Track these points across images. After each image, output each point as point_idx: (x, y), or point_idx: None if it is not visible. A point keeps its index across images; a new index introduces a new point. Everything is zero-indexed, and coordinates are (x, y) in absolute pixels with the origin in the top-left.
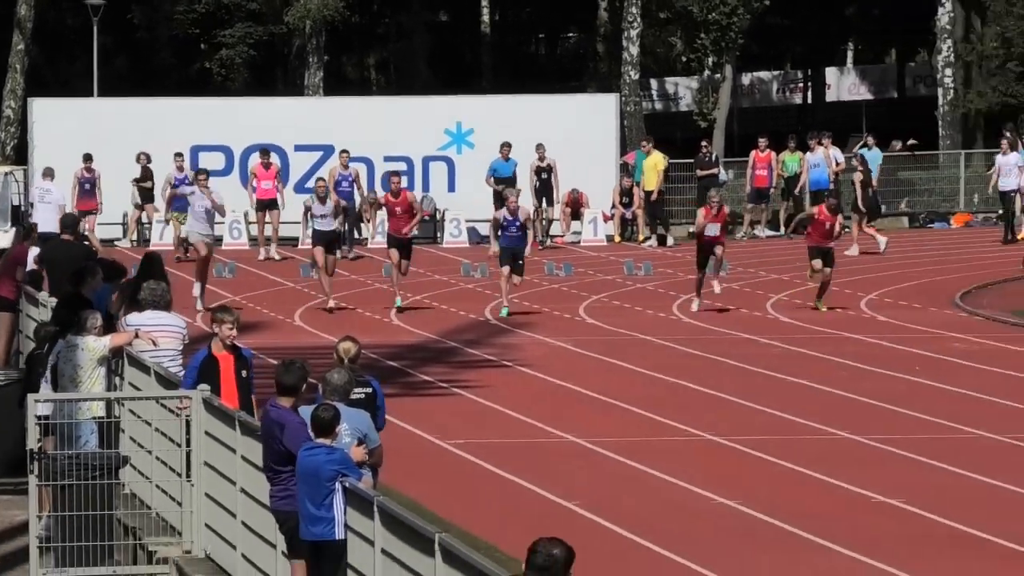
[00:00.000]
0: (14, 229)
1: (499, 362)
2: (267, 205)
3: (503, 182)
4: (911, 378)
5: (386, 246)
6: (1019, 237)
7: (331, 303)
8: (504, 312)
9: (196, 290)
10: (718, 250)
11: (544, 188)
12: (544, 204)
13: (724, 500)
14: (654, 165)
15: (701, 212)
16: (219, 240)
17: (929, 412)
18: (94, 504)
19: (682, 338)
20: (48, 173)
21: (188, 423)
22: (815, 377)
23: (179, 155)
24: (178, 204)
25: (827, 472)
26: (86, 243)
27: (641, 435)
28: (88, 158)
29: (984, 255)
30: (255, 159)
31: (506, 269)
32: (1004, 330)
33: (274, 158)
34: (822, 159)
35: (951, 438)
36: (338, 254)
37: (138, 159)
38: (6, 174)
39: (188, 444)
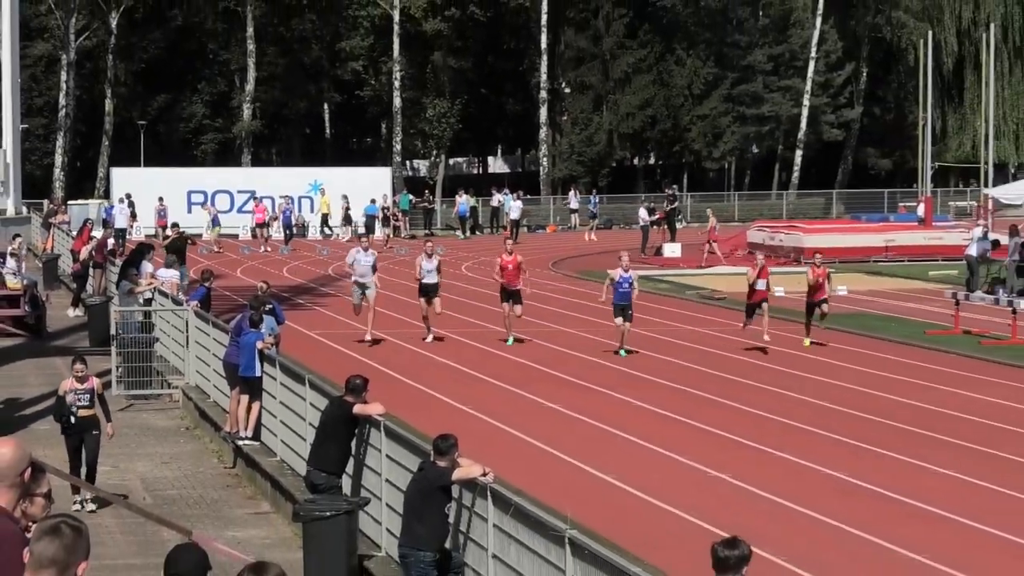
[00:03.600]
0: (103, 228)
1: (335, 295)
2: (262, 225)
3: (370, 217)
4: (530, 303)
5: (500, 299)
6: (588, 238)
7: (430, 337)
8: (623, 353)
9: (369, 331)
10: (764, 305)
11: (386, 219)
12: (382, 225)
13: (453, 364)
14: (325, 202)
15: (751, 271)
16: (226, 235)
17: (538, 318)
18: (142, 359)
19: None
20: (126, 200)
21: (187, 321)
22: (481, 300)
23: (260, 199)
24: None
25: (494, 348)
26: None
27: (406, 329)
28: (161, 199)
29: (562, 245)
30: (252, 203)
31: (619, 320)
32: (573, 281)
33: (265, 202)
34: (467, 200)
35: (550, 331)
36: (436, 303)
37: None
38: (99, 204)
39: (187, 330)
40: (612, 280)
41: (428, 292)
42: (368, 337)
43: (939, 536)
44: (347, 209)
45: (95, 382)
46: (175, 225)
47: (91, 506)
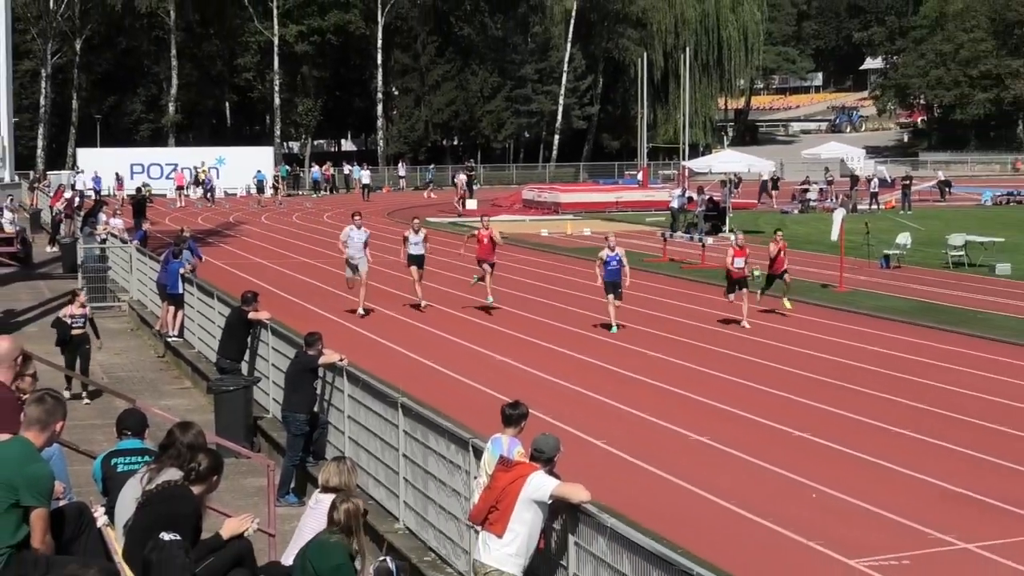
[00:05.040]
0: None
1: (235, 236)
2: (180, 187)
3: (259, 182)
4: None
5: (476, 264)
6: (427, 196)
7: (423, 304)
8: (614, 328)
9: (361, 304)
10: (745, 290)
11: (275, 181)
12: (271, 187)
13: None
14: (204, 171)
15: (731, 252)
16: (156, 196)
17: (385, 252)
18: (99, 281)
19: (294, 231)
20: (83, 170)
21: (131, 255)
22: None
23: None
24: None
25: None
26: (105, 198)
27: (287, 258)
28: (118, 175)
29: (396, 201)
30: (175, 172)
31: (610, 296)
32: (401, 224)
33: (184, 171)
34: (319, 170)
35: (389, 260)
36: (421, 272)
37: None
38: (69, 174)
39: (131, 261)
40: (601, 260)
41: (416, 262)
42: (360, 310)
43: (645, 394)
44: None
45: (88, 309)
46: (139, 188)
47: (86, 399)
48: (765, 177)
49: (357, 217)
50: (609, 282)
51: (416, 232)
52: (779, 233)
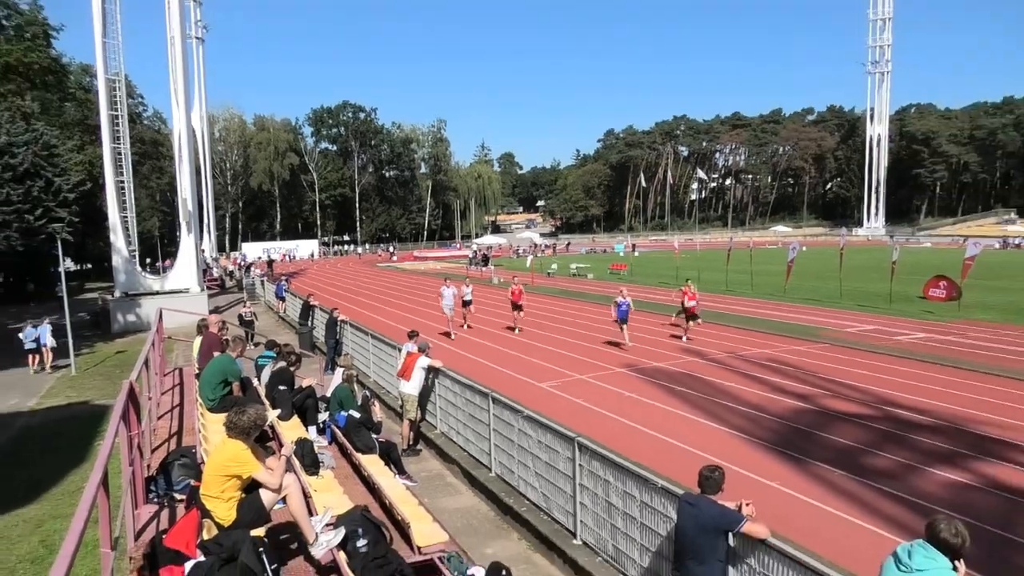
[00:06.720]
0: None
1: (303, 274)
2: (282, 259)
3: (312, 254)
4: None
5: (511, 307)
6: (389, 257)
7: (465, 326)
8: (628, 343)
9: (452, 330)
10: (691, 321)
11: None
12: (317, 255)
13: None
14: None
15: (684, 293)
16: (272, 259)
17: (368, 285)
18: (252, 293)
19: (328, 270)
20: (244, 253)
21: (263, 282)
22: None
23: (326, 243)
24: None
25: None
26: (254, 262)
27: (327, 280)
28: (259, 257)
29: (371, 258)
30: (274, 254)
31: (624, 328)
32: (371, 267)
33: (284, 251)
34: (340, 248)
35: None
36: (471, 308)
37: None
38: (239, 253)
39: (264, 285)
40: (616, 303)
41: (466, 304)
42: (452, 336)
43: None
44: (263, 259)
45: (252, 308)
46: (270, 258)
47: (252, 346)
48: (497, 245)
49: (448, 281)
50: (620, 319)
51: (468, 287)
52: (689, 282)
